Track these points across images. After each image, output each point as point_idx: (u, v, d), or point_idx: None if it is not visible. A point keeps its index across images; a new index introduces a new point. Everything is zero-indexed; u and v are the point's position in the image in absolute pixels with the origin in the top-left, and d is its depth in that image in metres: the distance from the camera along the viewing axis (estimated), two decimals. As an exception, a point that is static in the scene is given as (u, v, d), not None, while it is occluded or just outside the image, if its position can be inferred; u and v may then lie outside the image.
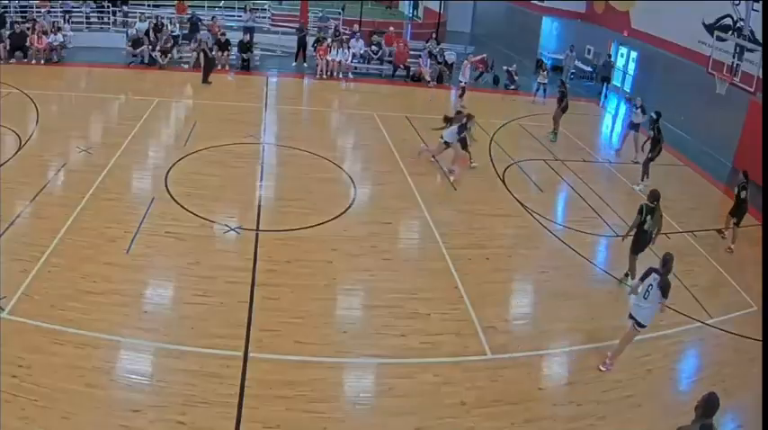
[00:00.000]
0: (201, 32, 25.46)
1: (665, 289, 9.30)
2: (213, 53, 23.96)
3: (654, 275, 9.47)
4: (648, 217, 11.98)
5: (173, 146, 16.62)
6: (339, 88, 24.56)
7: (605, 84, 27.26)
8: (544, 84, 24.75)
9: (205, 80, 22.76)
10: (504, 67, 27.07)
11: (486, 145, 18.97)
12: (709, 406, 6.96)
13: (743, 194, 14.50)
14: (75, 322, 9.39)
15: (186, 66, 24.43)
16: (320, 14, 30.78)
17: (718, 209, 15.21)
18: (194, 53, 24.22)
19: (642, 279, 9.72)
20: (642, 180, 17.26)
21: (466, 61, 23.05)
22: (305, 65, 26.45)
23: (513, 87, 26.54)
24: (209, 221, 12.84)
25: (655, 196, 12.06)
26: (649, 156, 17.44)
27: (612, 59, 27.90)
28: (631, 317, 9.67)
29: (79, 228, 12.00)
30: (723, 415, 7.92)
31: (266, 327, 9.83)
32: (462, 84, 22.59)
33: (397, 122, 20.34)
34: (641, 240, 12.20)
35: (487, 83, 27.11)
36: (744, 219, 14.72)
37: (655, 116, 17.52)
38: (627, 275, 12.41)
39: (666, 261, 9.49)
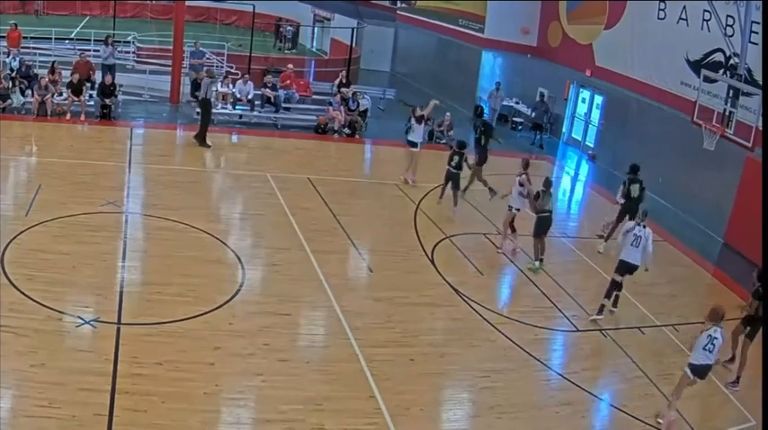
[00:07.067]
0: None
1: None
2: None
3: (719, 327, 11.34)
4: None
5: (11, 216, 16.71)
6: (224, 142, 25.27)
7: (538, 133, 28.40)
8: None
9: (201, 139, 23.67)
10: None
11: (411, 215, 19.86)
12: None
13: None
14: None
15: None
16: (193, 48, 30.61)
17: (705, 296, 15.73)
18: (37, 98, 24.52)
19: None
20: (606, 241, 18.61)
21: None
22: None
23: (444, 142, 27.09)
24: (57, 312, 12.97)
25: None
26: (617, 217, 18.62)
27: (550, 102, 28.92)
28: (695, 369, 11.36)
29: None
30: None
31: (130, 447, 10.06)
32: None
33: (298, 186, 21.10)
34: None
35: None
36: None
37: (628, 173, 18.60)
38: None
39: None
